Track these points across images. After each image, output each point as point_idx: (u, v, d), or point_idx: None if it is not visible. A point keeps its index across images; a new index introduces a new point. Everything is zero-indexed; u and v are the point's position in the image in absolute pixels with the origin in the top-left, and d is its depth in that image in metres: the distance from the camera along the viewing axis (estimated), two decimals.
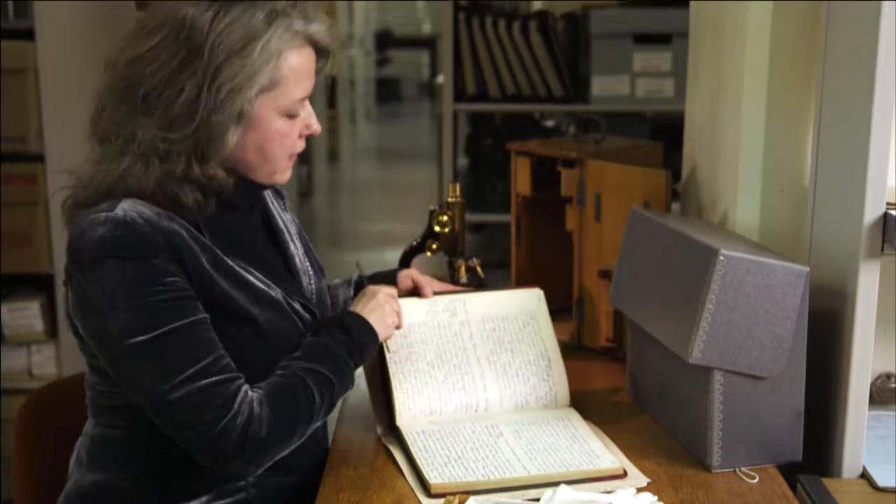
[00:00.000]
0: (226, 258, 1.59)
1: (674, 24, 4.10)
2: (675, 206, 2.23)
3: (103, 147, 1.58)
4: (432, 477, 1.61)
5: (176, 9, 1.54)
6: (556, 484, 1.58)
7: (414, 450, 1.69)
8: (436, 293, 1.90)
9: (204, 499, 1.62)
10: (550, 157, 2.25)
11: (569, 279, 2.24)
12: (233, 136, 1.56)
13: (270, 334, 1.61)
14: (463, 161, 5.06)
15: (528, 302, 1.92)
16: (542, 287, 1.95)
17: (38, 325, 3.21)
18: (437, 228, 2.19)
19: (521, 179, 2.32)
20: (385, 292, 1.77)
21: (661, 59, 4.22)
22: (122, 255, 1.50)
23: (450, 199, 2.21)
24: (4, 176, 3.10)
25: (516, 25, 4.22)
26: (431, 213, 2.21)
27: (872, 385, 1.73)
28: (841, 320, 1.66)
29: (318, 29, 1.61)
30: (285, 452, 1.57)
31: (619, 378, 2.03)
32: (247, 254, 1.64)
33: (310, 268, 1.78)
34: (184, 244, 1.54)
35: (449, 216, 2.19)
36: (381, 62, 12.78)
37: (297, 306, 1.68)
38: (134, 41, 1.56)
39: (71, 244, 1.54)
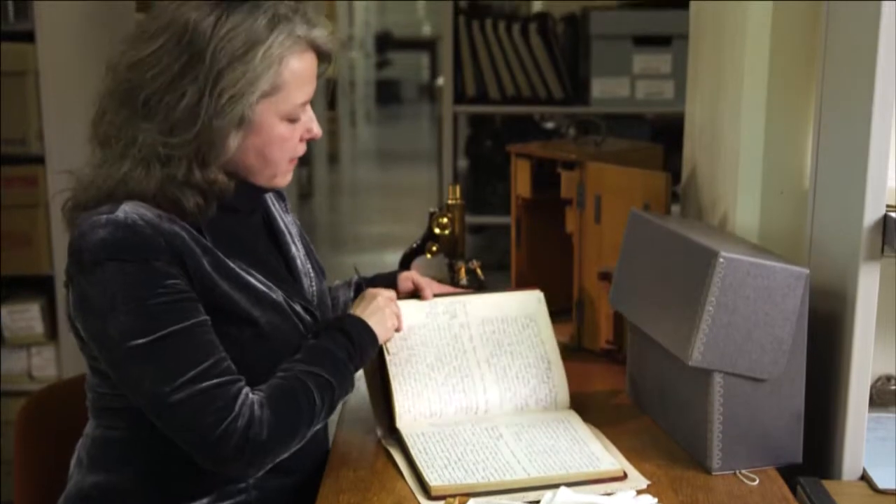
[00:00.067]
0: (227, 260, 1.59)
1: (674, 26, 4.10)
2: (675, 208, 2.23)
3: (104, 151, 1.58)
4: (432, 479, 1.61)
5: (178, 13, 1.54)
6: (556, 486, 1.58)
7: (414, 452, 1.69)
8: (436, 295, 1.90)
9: (205, 500, 1.62)
10: (550, 159, 2.25)
11: (569, 281, 2.24)
12: (234, 141, 1.56)
13: (271, 336, 1.62)
14: (463, 163, 5.06)
15: (528, 304, 1.93)
16: (542, 289, 1.95)
17: (39, 327, 3.21)
18: (437, 230, 2.19)
19: (521, 181, 2.32)
20: (385, 295, 1.77)
21: (660, 61, 4.22)
22: (123, 258, 1.50)
23: (450, 201, 2.21)
24: (5, 178, 3.10)
25: (516, 27, 4.23)
26: (431, 215, 2.21)
27: (872, 387, 1.73)
28: (841, 322, 1.66)
29: (321, 34, 1.61)
30: (286, 455, 1.57)
31: (619, 380, 2.03)
32: (248, 256, 1.64)
33: (311, 269, 1.79)
34: (185, 246, 1.54)
35: (449, 218, 2.19)
36: (381, 64, 12.79)
37: (298, 308, 1.68)
38: (135, 44, 1.56)
39: (72, 246, 1.54)
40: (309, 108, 1.64)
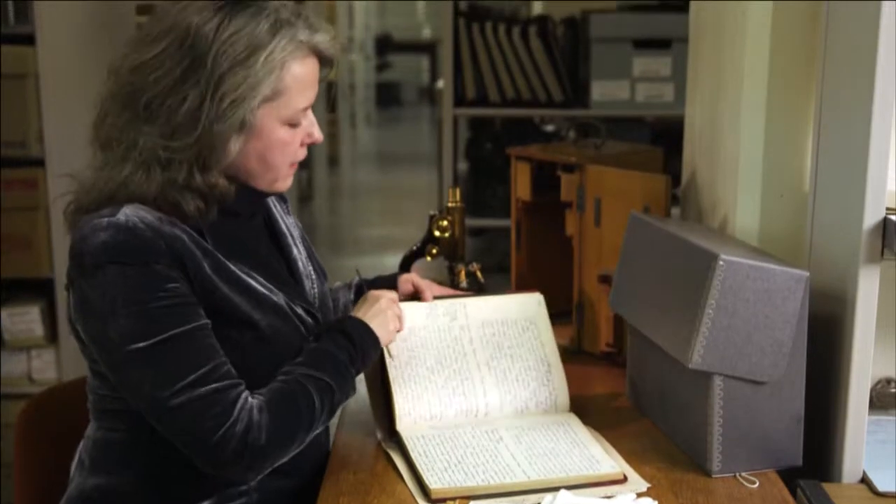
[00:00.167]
0: (228, 263, 1.59)
1: (674, 29, 4.09)
2: (675, 211, 2.23)
3: (105, 153, 1.58)
4: (432, 482, 1.61)
5: (181, 16, 1.54)
6: (556, 489, 1.58)
7: (414, 455, 1.69)
8: (436, 297, 1.90)
9: (206, 503, 1.62)
10: (550, 162, 2.25)
11: (569, 284, 2.24)
12: (235, 145, 1.56)
13: (272, 339, 1.62)
14: (463, 166, 5.06)
15: (527, 306, 1.93)
16: (542, 292, 1.95)
17: (39, 329, 3.22)
18: (437, 233, 2.19)
19: (521, 184, 2.33)
20: (387, 297, 1.77)
21: (660, 63, 4.22)
22: (123, 261, 1.50)
23: (450, 204, 2.21)
24: (5, 180, 3.10)
25: (516, 30, 4.23)
26: (431, 217, 2.21)
27: (872, 390, 1.73)
28: (841, 325, 1.66)
29: (323, 39, 1.60)
30: (285, 459, 1.57)
31: (619, 383, 2.03)
32: (249, 258, 1.64)
33: (312, 272, 1.79)
34: (185, 249, 1.54)
35: (449, 221, 2.19)
36: (381, 67, 12.78)
37: (300, 310, 1.68)
38: (138, 47, 1.56)
39: (73, 249, 1.54)
40: (310, 112, 1.64)
